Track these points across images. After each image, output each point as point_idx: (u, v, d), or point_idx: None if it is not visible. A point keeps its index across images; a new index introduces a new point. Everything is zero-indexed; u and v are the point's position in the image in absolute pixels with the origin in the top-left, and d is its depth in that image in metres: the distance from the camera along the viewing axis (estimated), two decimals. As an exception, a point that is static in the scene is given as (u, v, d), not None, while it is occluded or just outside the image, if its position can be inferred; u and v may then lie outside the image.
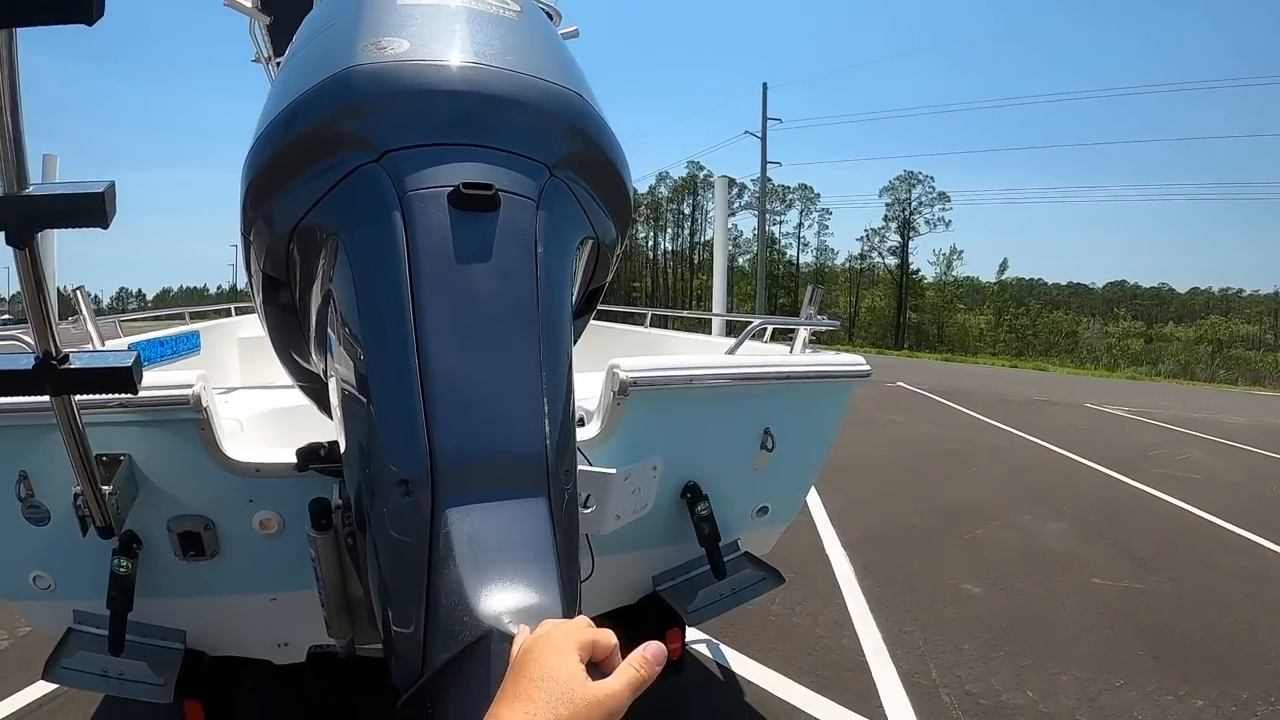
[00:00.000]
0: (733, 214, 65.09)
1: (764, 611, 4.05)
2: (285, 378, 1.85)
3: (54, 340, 1.13)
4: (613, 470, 1.81)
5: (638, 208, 71.08)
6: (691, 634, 3.73)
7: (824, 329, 2.88)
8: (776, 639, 3.71)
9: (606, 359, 2.06)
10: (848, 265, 63.22)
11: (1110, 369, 31.92)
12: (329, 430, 1.56)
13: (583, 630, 0.73)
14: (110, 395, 1.52)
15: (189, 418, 1.71)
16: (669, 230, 70.96)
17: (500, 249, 1.20)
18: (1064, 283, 73.65)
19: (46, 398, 1.20)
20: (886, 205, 58.07)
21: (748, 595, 2.38)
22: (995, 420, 11.38)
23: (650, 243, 72.76)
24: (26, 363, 1.14)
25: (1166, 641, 3.75)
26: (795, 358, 2.66)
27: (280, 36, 4.38)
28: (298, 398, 2.08)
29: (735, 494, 2.31)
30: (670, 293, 68.15)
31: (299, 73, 1.37)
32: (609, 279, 1.67)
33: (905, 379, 17.79)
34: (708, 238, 65.96)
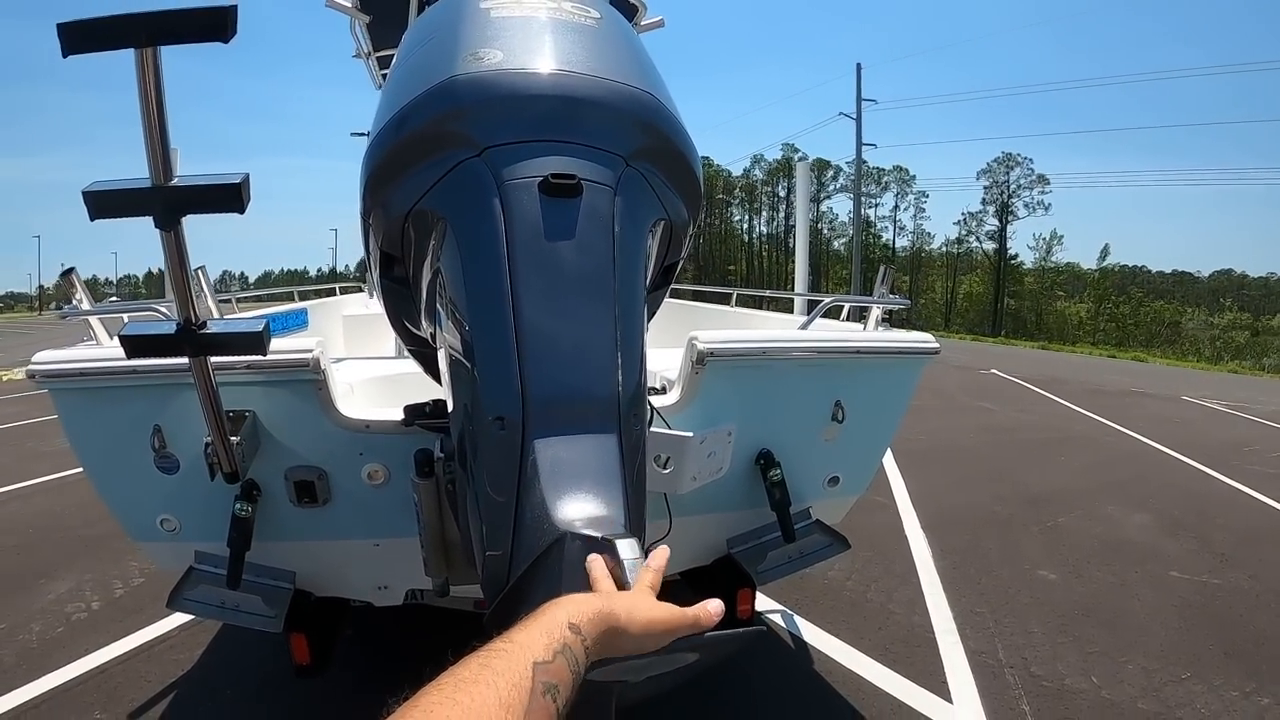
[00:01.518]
0: (828, 196, 64.30)
1: (839, 587, 4.26)
2: (384, 350, 2.12)
3: (193, 309, 1.39)
4: (689, 434, 2.01)
5: (732, 190, 70.80)
6: (767, 604, 3.98)
7: (896, 308, 3.04)
8: (849, 613, 3.92)
9: (691, 333, 2.28)
10: (943, 250, 61.55)
11: (1213, 362, 30.34)
12: (427, 393, 1.86)
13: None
14: (239, 358, 1.78)
15: (308, 379, 1.99)
16: (764, 213, 70.22)
17: (583, 229, 1.42)
18: (1168, 271, 70.18)
19: (183, 360, 1.47)
20: (984, 188, 56.23)
21: (815, 559, 2.58)
22: (1088, 410, 11.14)
23: (745, 225, 72.15)
24: (169, 328, 1.40)
25: (1239, 638, 3.78)
26: (866, 334, 2.83)
27: (379, 33, 4.68)
28: (398, 366, 2.35)
29: (807, 463, 2.50)
30: (765, 275, 67.72)
31: (407, 80, 1.62)
32: (683, 255, 1.85)
33: (999, 366, 17.44)
34: None
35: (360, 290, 7.35)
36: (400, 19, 4.16)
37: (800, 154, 64.10)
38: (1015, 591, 4.23)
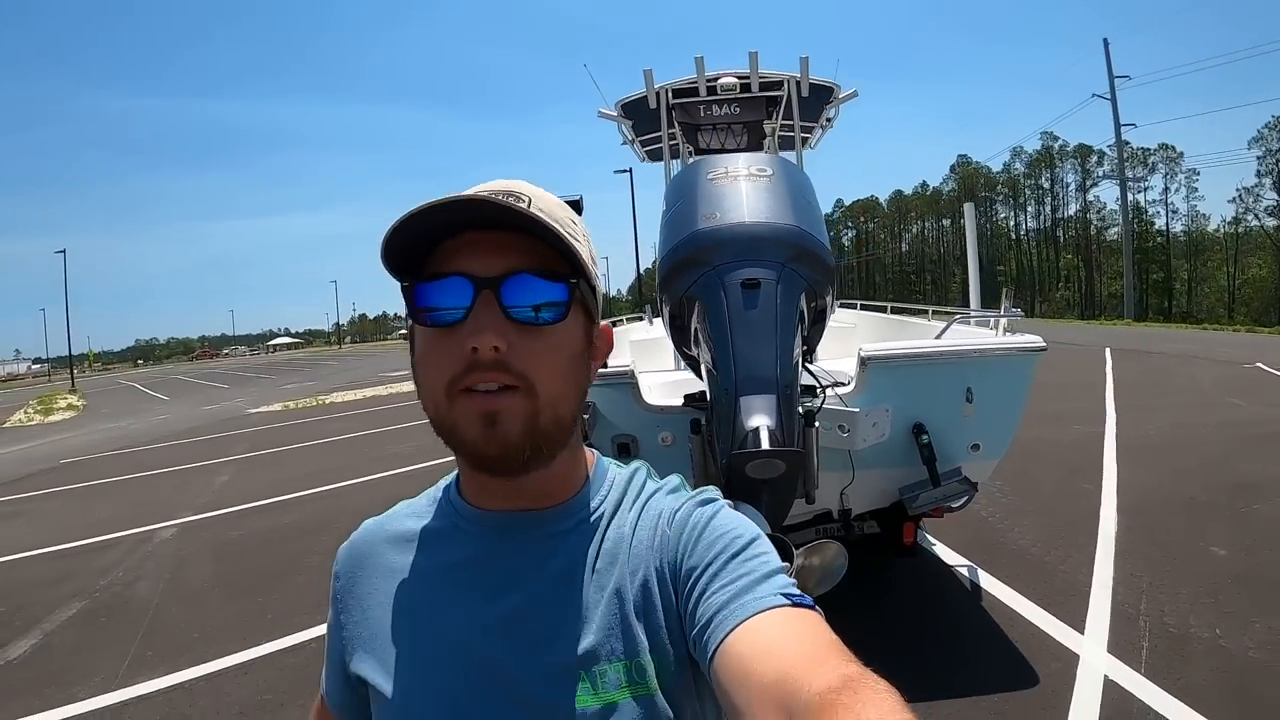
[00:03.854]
0: (1094, 184, 59.30)
1: (1024, 551, 5.28)
2: (663, 365, 3.57)
3: None
4: (857, 409, 3.34)
5: (993, 187, 68.60)
6: (956, 559, 5.12)
7: (1016, 318, 4.16)
8: (1023, 569, 4.97)
9: (879, 339, 3.57)
10: (1219, 231, 54.30)
11: None
12: (693, 387, 3.38)
13: None
14: None
15: (627, 381, 3.52)
16: (1029, 207, 66.26)
17: (761, 304, 2.88)
18: None
19: None
20: (1258, 159, 48.69)
21: (953, 497, 3.71)
22: (1351, 406, 10.40)
23: (1011, 222, 68.56)
24: None
25: (1386, 618, 4.17)
26: (983, 340, 3.97)
27: (638, 127, 6.76)
28: (673, 376, 3.81)
29: (951, 433, 3.62)
30: (1035, 274, 63.97)
31: (675, 224, 3.26)
32: (828, 302, 3.24)
33: (1267, 359, 15.92)
34: (1070, 212, 62.58)
35: (640, 318, 9.04)
36: (650, 118, 6.11)
37: (1060, 141, 59.85)
38: (1180, 562, 4.97)
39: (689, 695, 0.77)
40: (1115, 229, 54.42)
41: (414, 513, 0.90)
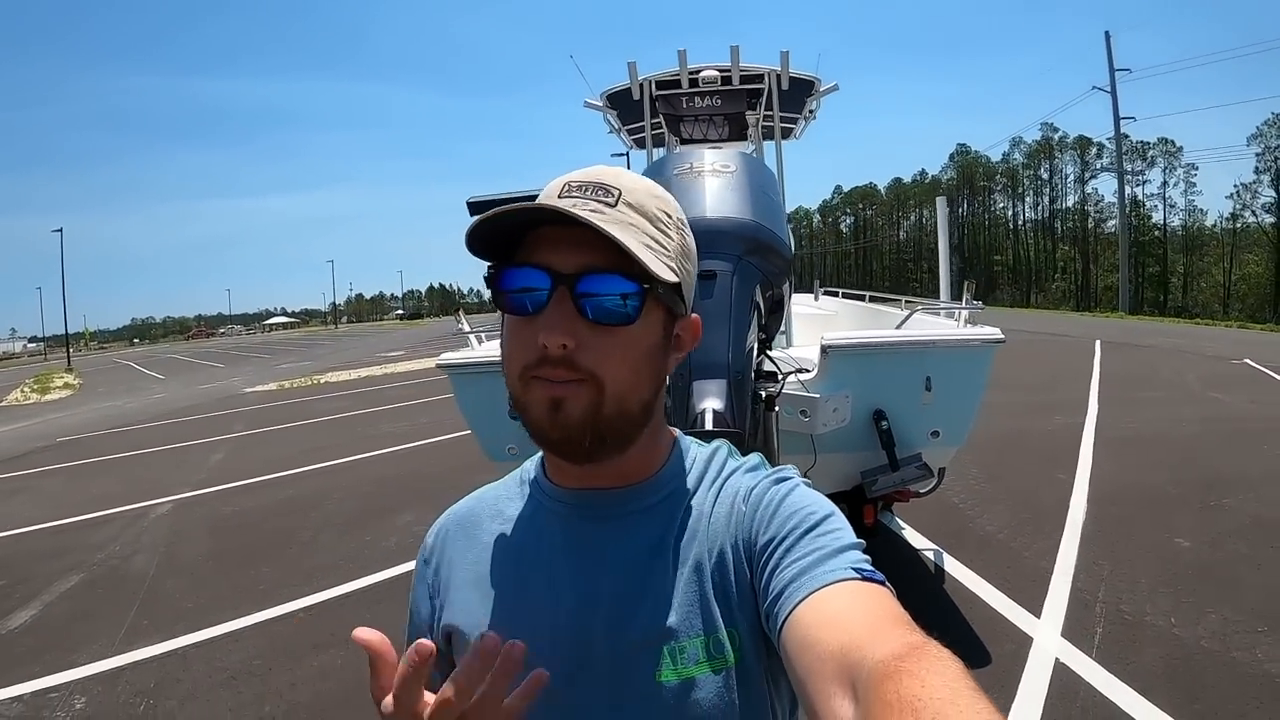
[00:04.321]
0: (1093, 176, 59.86)
1: (990, 537, 5.45)
2: None
3: None
4: (817, 395, 3.47)
5: (992, 177, 69.51)
6: (923, 542, 5.29)
7: (977, 310, 4.33)
8: (988, 554, 5.15)
9: (858, 328, 3.70)
10: (1216, 227, 54.40)
11: None
12: None
13: None
14: None
15: None
16: (1028, 198, 66.49)
17: (717, 294, 2.94)
18: None
19: None
20: (1256, 155, 48.70)
21: (910, 481, 3.83)
22: (1333, 404, 10.49)
23: (1009, 212, 68.65)
24: None
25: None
26: (941, 331, 4.14)
27: (623, 116, 6.98)
28: None
29: (911, 419, 3.77)
30: (1031, 265, 64.18)
31: None
32: (784, 291, 3.32)
33: (1256, 356, 15.81)
34: (1068, 204, 62.98)
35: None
36: (634, 109, 6.31)
37: (1060, 132, 60.14)
38: (1144, 553, 5.12)
39: (763, 669, 0.79)
40: (1113, 222, 54.61)
41: (505, 493, 0.94)
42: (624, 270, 0.75)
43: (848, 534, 0.75)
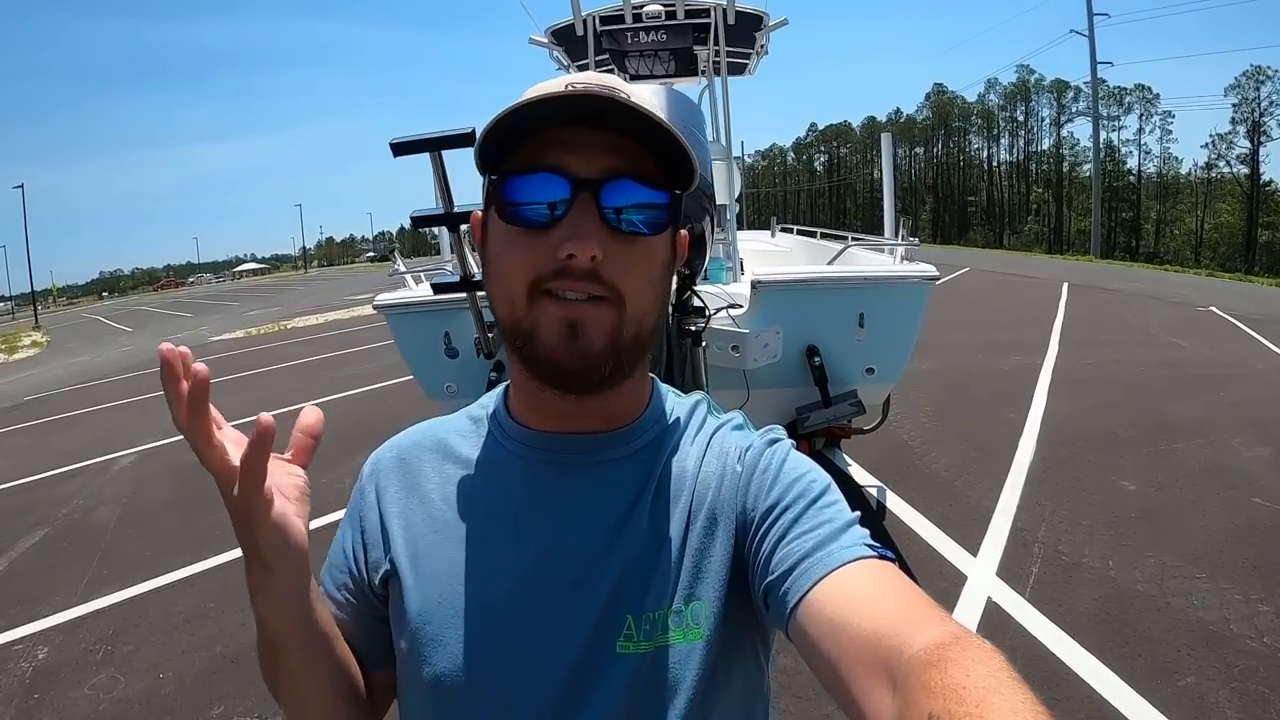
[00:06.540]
0: (1069, 120, 59.81)
1: (935, 475, 5.33)
2: None
3: (466, 266, 2.82)
4: (747, 330, 3.33)
5: (968, 118, 69.22)
6: (867, 479, 5.14)
7: (914, 246, 4.12)
8: (930, 492, 5.03)
9: (810, 263, 3.49)
10: (1191, 175, 54.64)
11: None
12: None
13: None
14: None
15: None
16: (1003, 139, 66.19)
17: None
18: None
19: (462, 295, 2.93)
20: (1233, 106, 48.65)
21: (843, 416, 3.77)
22: (1286, 350, 10.51)
23: (985, 154, 68.26)
24: (455, 278, 2.89)
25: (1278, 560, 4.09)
26: (875, 267, 4.02)
27: (571, 52, 6.66)
28: None
29: (845, 356, 3.67)
30: (1004, 207, 64.15)
31: None
32: (706, 227, 2.99)
33: (1222, 304, 15.77)
34: (1044, 147, 62.93)
35: None
36: (580, 44, 5.95)
37: (1036, 75, 60.04)
38: (1088, 494, 5.02)
39: (738, 637, 0.74)
40: (1087, 166, 54.53)
41: (456, 430, 0.84)
42: (647, 176, 0.69)
43: (847, 504, 0.72)
